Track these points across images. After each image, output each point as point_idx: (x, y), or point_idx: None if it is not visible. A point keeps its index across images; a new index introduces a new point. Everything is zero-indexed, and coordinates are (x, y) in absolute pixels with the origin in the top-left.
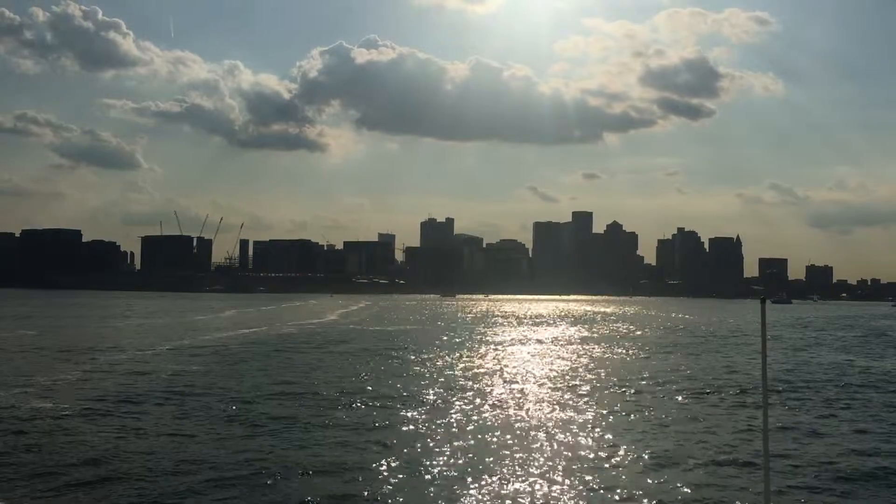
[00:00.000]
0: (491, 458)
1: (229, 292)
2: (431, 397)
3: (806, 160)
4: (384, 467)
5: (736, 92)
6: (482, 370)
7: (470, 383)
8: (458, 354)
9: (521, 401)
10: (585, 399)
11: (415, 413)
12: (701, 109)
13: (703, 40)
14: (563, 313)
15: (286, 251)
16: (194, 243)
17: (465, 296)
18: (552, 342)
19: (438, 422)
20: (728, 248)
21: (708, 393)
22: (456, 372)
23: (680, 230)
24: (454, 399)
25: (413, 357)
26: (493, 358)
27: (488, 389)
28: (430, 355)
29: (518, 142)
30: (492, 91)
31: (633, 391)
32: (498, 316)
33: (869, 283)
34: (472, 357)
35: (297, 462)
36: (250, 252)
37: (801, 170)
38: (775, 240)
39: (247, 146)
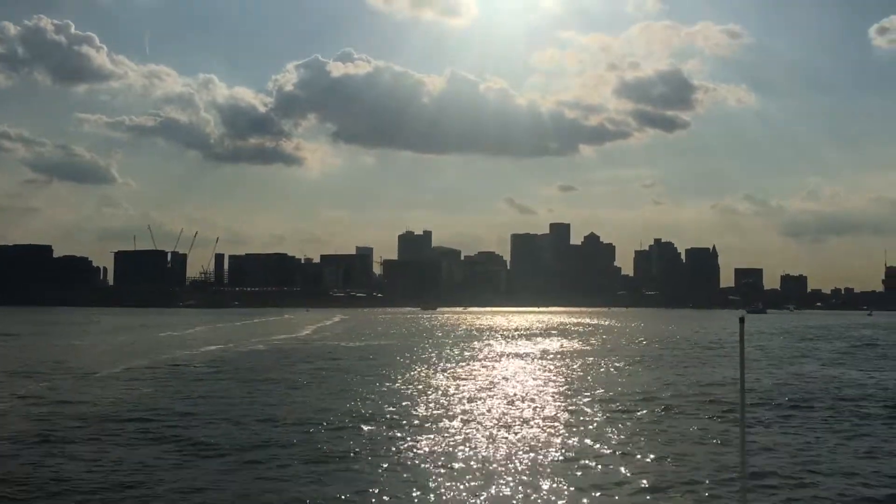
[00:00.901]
0: (466, 483)
1: (203, 307)
2: (405, 419)
3: (779, 171)
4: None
5: (710, 104)
6: (460, 388)
7: (447, 403)
8: (436, 371)
9: (496, 421)
10: (564, 417)
11: (387, 436)
12: (676, 121)
13: (677, 53)
14: (541, 326)
15: (262, 265)
16: (168, 258)
17: (446, 309)
18: (531, 357)
19: (410, 446)
20: (704, 259)
21: (689, 409)
22: (433, 391)
23: (657, 241)
24: (427, 423)
25: (388, 374)
26: (471, 375)
27: (464, 409)
28: (406, 372)
29: (495, 154)
30: (469, 104)
31: (613, 408)
32: (476, 329)
33: (843, 291)
34: (451, 374)
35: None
36: (226, 266)
37: (775, 180)
38: (750, 250)
39: (223, 160)
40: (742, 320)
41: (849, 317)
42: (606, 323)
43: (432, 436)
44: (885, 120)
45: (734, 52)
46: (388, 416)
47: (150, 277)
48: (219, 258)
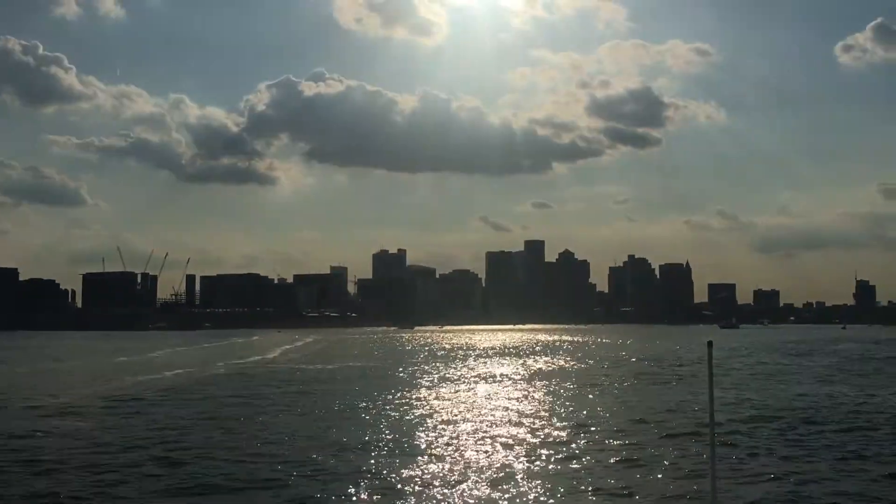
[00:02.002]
0: None
1: (173, 329)
2: (369, 455)
3: (750, 186)
4: None
5: (680, 121)
6: (433, 414)
7: (418, 431)
8: (409, 395)
9: (469, 446)
10: (538, 441)
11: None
12: (647, 138)
13: (647, 71)
14: (518, 344)
15: (235, 286)
16: (138, 280)
17: (423, 327)
18: (506, 379)
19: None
20: (678, 275)
21: (667, 432)
22: (405, 418)
23: (631, 257)
24: (394, 459)
25: (357, 400)
26: (444, 399)
27: (436, 437)
28: (378, 397)
29: (468, 172)
30: (441, 122)
31: (589, 430)
32: (452, 348)
33: (814, 305)
34: (425, 398)
35: None
36: (197, 287)
37: (746, 196)
38: (723, 265)
39: (195, 180)
40: (710, 344)
41: (823, 331)
42: (584, 340)
43: (399, 469)
44: (853, 135)
45: (703, 69)
46: (355, 447)
47: (120, 300)
48: (190, 279)
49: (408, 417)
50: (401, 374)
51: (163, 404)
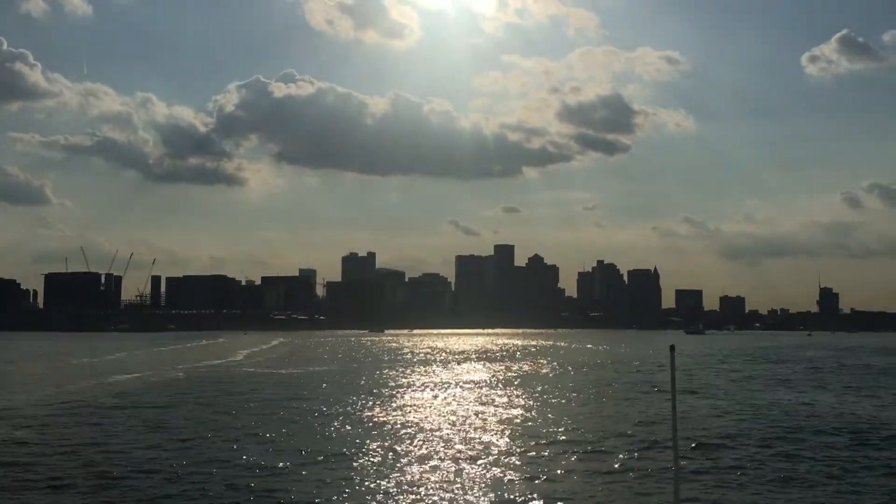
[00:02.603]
0: None
1: (137, 331)
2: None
3: (717, 194)
4: None
5: (650, 128)
6: (399, 424)
7: (383, 441)
8: (371, 404)
9: (434, 456)
10: (501, 450)
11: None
12: (616, 145)
13: (617, 78)
14: (486, 349)
15: (201, 287)
16: (102, 280)
17: (393, 331)
18: (475, 386)
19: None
20: (646, 280)
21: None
22: (370, 426)
23: (600, 263)
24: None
25: (321, 407)
26: (412, 408)
27: (401, 448)
28: (341, 406)
29: (439, 176)
30: (412, 125)
31: (555, 438)
32: (420, 352)
33: (779, 312)
34: (392, 407)
35: None
36: (162, 289)
37: (713, 203)
38: (690, 271)
39: (162, 180)
40: (672, 348)
41: (790, 337)
42: (552, 344)
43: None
44: (818, 145)
45: (673, 77)
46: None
47: (83, 300)
48: (155, 280)
49: (372, 426)
50: (367, 381)
51: (111, 412)
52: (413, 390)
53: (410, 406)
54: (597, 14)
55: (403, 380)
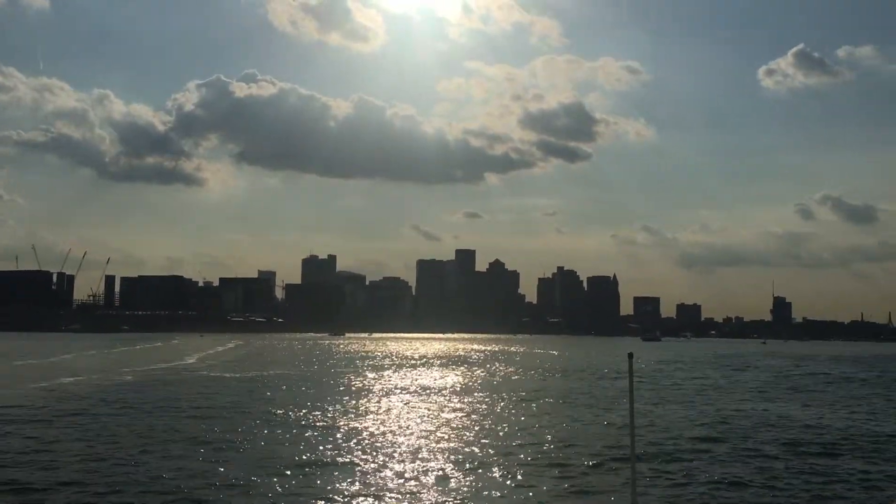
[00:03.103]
0: None
1: (89, 332)
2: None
3: (674, 203)
4: None
5: (610, 136)
6: (352, 433)
7: (334, 453)
8: (322, 412)
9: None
10: (459, 462)
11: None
12: (578, 152)
13: (579, 86)
14: (447, 354)
15: (157, 288)
16: (54, 279)
17: (353, 335)
18: (430, 392)
19: None
20: (605, 287)
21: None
22: (321, 436)
23: (560, 269)
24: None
25: (271, 414)
26: (366, 416)
27: (355, 458)
28: (292, 412)
29: (401, 180)
30: (375, 129)
31: (511, 446)
32: (378, 357)
33: (734, 320)
34: (346, 415)
35: None
36: (116, 289)
37: (670, 212)
38: (648, 279)
39: (119, 179)
40: (630, 356)
41: (746, 345)
42: (512, 349)
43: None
44: (772, 157)
45: (633, 87)
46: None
47: (33, 299)
48: (109, 280)
49: (322, 436)
50: (320, 387)
51: (48, 418)
52: (368, 397)
53: (364, 414)
54: (560, 23)
55: (359, 385)
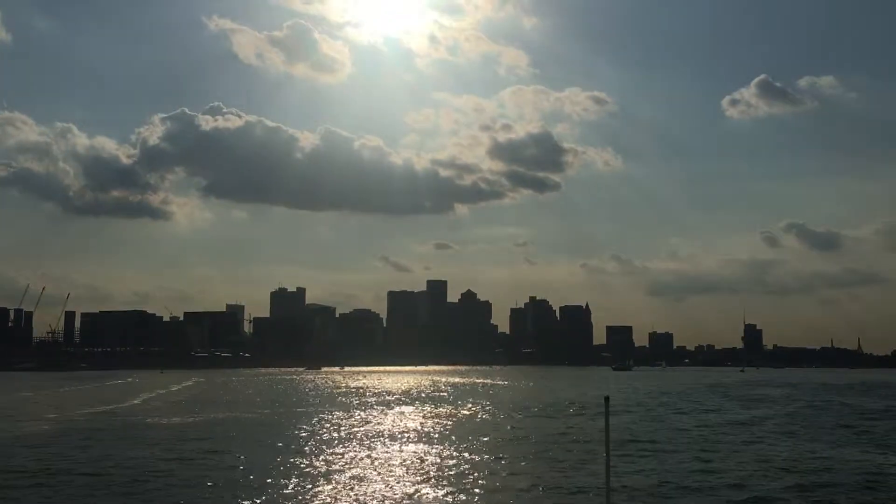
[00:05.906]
0: None
1: (44, 370)
2: None
3: (643, 232)
4: None
5: (579, 166)
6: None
7: None
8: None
9: None
10: None
11: None
12: (547, 182)
13: (547, 116)
14: (419, 388)
15: (119, 323)
16: (11, 316)
17: (327, 368)
18: (405, 436)
19: None
20: (578, 316)
21: None
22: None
23: (532, 299)
24: None
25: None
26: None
27: None
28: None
29: (370, 211)
30: (343, 160)
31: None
32: (348, 392)
33: (706, 348)
34: (304, 463)
35: None
36: (77, 324)
37: (639, 241)
38: (619, 308)
39: (83, 213)
40: (607, 399)
41: (725, 373)
42: (487, 382)
43: None
44: (738, 185)
45: (600, 117)
46: None
47: None
48: (69, 316)
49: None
50: (274, 431)
51: None
52: (324, 449)
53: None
54: (527, 53)
55: (325, 428)
